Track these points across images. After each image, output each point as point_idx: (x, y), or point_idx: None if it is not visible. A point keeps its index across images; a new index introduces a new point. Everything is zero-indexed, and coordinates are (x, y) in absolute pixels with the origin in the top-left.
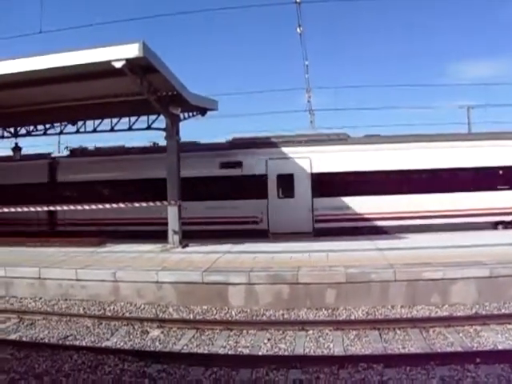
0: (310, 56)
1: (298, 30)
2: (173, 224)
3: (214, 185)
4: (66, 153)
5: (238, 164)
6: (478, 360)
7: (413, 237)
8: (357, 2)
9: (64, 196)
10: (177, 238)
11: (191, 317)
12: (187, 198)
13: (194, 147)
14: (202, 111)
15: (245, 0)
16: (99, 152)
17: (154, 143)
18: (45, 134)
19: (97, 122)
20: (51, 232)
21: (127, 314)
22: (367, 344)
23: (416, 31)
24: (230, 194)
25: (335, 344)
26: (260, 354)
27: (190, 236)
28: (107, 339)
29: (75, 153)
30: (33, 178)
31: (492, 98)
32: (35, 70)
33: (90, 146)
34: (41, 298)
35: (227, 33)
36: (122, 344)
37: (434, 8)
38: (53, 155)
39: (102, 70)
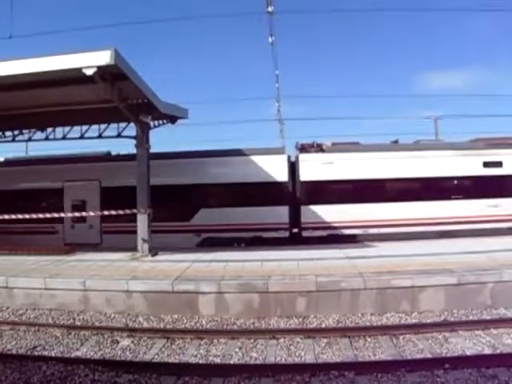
0: (281, 65)
1: (270, 39)
2: (142, 232)
3: None
4: None
5: None
6: (446, 366)
7: (382, 245)
8: (327, 14)
9: None
10: (146, 246)
11: (162, 326)
12: None
13: None
14: (173, 119)
15: (218, 9)
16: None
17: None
18: (13, 140)
19: (66, 129)
20: None
21: (97, 324)
22: (338, 352)
23: (386, 42)
24: None
25: (306, 352)
26: (232, 362)
27: None
28: (77, 349)
29: None
30: None
31: (461, 108)
32: (4, 76)
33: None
34: (8, 308)
35: (199, 41)
36: (92, 354)
37: (405, 19)
38: None
39: (73, 77)
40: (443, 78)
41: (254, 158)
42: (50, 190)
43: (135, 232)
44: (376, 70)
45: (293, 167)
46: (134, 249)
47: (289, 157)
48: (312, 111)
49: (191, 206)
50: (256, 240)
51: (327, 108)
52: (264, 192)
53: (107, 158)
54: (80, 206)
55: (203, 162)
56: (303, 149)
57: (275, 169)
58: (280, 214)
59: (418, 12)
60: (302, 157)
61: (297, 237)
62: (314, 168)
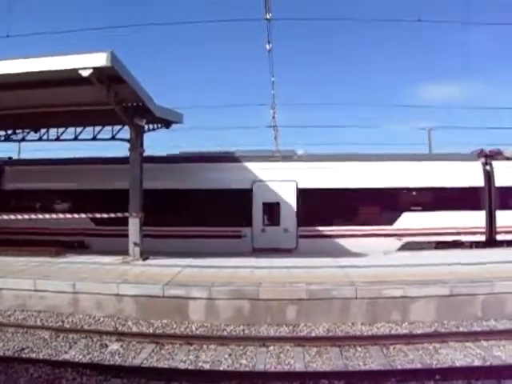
0: (278, 72)
1: (268, 46)
2: (133, 236)
3: None
4: None
5: None
6: (437, 377)
7: (374, 255)
8: (324, 22)
9: None
10: (137, 250)
11: (151, 330)
12: None
13: None
14: (167, 124)
15: (216, 14)
16: None
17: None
18: (6, 140)
19: (60, 130)
20: None
21: (86, 327)
22: (328, 360)
23: (385, 53)
24: None
25: (296, 360)
26: (221, 369)
27: None
28: (65, 352)
29: None
30: None
31: (455, 119)
32: (1, 75)
33: None
34: None
35: (196, 46)
36: (80, 357)
37: (402, 30)
38: None
39: (69, 78)
40: (440, 90)
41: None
42: (236, 190)
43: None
44: (374, 81)
45: (487, 174)
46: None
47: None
48: (304, 119)
49: (395, 210)
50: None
51: (320, 116)
52: (462, 197)
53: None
54: (273, 208)
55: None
56: (490, 156)
57: (472, 174)
58: (477, 218)
59: (416, 23)
60: (496, 164)
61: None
62: (507, 174)
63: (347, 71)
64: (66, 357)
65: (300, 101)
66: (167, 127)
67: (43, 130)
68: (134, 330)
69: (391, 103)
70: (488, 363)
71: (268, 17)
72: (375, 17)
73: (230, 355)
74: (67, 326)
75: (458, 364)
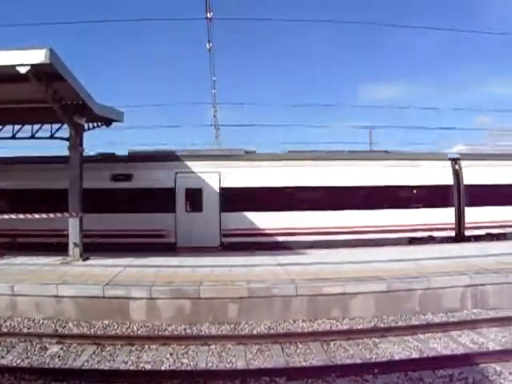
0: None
1: (208, 45)
2: (73, 236)
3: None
4: None
5: None
6: (376, 370)
7: (314, 252)
8: (269, 22)
9: None
10: (77, 250)
11: (92, 332)
12: None
13: None
14: (108, 122)
15: (159, 13)
16: None
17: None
18: None
19: None
20: None
21: (25, 330)
22: (269, 358)
23: (330, 53)
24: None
25: (238, 358)
26: (162, 369)
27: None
28: (2, 357)
29: None
30: None
31: (398, 119)
32: None
33: None
34: None
35: (136, 44)
36: (18, 362)
37: (348, 32)
38: None
39: (6, 74)
40: (387, 90)
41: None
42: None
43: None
44: (323, 81)
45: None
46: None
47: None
48: (247, 118)
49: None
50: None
51: (264, 115)
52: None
53: None
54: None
55: None
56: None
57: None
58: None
59: (368, 25)
60: (464, 163)
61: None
62: (474, 173)
63: (295, 71)
64: (3, 362)
65: (247, 101)
66: (108, 125)
67: None
68: (75, 331)
69: (337, 102)
70: (425, 355)
71: (209, 16)
72: (328, 18)
73: (171, 355)
74: (5, 330)
75: (396, 357)
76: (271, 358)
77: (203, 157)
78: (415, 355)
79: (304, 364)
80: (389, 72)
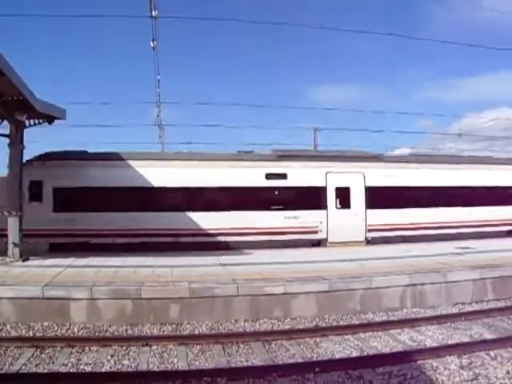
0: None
1: (152, 44)
2: (13, 236)
3: None
4: None
5: None
6: (317, 369)
7: (256, 252)
8: (212, 22)
9: None
10: (17, 251)
11: (31, 334)
12: None
13: None
14: (50, 119)
15: (103, 9)
16: None
17: None
18: None
19: None
20: None
21: None
22: (211, 358)
23: (276, 55)
24: None
25: (179, 359)
26: (103, 370)
27: None
28: None
29: None
30: None
31: (341, 121)
32: None
33: None
34: None
35: (80, 40)
36: None
37: (296, 34)
38: None
39: None
40: (334, 92)
41: None
42: None
43: None
44: (271, 82)
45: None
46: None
47: None
48: (196, 118)
49: None
50: None
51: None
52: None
53: None
54: None
55: None
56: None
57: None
58: None
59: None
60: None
61: None
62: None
63: (246, 71)
64: None
65: (196, 100)
66: (50, 123)
67: None
68: (13, 334)
69: (286, 105)
70: (365, 353)
71: (154, 14)
72: (275, 19)
73: (112, 356)
74: None
75: (337, 356)
76: (213, 358)
77: (348, 157)
78: (356, 354)
79: (245, 364)
80: (339, 75)
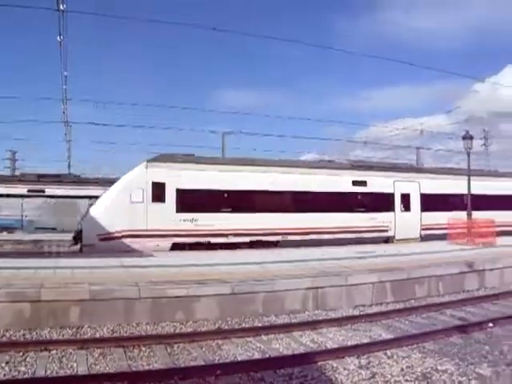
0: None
1: (59, 38)
2: None
3: None
4: None
5: None
6: (218, 372)
7: (159, 255)
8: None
9: None
10: None
11: None
12: None
13: None
14: None
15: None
16: None
17: None
18: None
19: None
20: None
21: None
22: (112, 362)
23: (184, 57)
24: None
25: (79, 363)
26: None
27: None
28: None
29: None
30: None
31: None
32: None
33: None
34: None
35: None
36: None
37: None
38: None
39: None
40: (244, 96)
41: None
42: None
43: None
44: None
45: None
46: None
47: None
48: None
49: None
50: None
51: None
52: None
53: None
54: None
55: None
56: None
57: None
58: None
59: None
60: None
61: None
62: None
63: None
64: None
65: (108, 99)
66: None
67: None
68: None
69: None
70: (267, 355)
71: (61, 8)
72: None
73: (7, 363)
74: None
75: (239, 358)
76: (114, 362)
77: (407, 169)
78: (257, 356)
79: (147, 367)
80: (249, 78)
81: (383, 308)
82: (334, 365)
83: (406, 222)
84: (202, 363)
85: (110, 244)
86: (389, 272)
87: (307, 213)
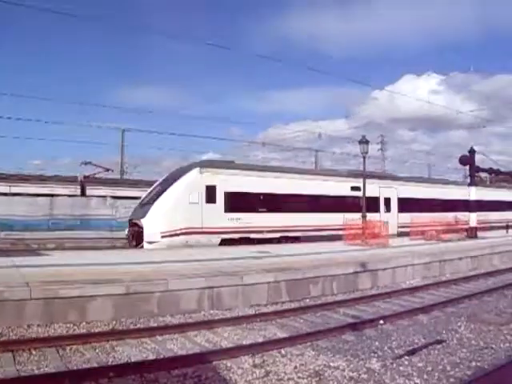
0: None
1: None
2: None
3: None
4: None
5: None
6: (111, 374)
7: (56, 254)
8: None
9: None
10: None
11: None
12: None
13: None
14: None
15: None
16: None
17: None
18: None
19: None
20: None
21: None
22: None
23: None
24: None
25: None
26: None
27: None
28: None
29: None
30: None
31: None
32: None
33: None
34: None
35: None
36: None
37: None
38: None
39: None
40: (144, 93)
41: None
42: None
43: None
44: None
45: None
46: None
47: None
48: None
49: None
50: None
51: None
52: None
53: None
54: None
55: None
56: None
57: None
58: None
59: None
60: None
61: None
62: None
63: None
64: None
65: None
66: None
67: None
68: None
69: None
70: (161, 356)
71: None
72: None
73: None
74: None
75: (133, 359)
76: (1, 367)
77: (387, 177)
78: (152, 357)
79: (37, 372)
80: (148, 76)
81: (279, 307)
82: (229, 364)
83: (388, 221)
84: (95, 365)
85: (170, 240)
86: (284, 272)
87: (321, 213)
